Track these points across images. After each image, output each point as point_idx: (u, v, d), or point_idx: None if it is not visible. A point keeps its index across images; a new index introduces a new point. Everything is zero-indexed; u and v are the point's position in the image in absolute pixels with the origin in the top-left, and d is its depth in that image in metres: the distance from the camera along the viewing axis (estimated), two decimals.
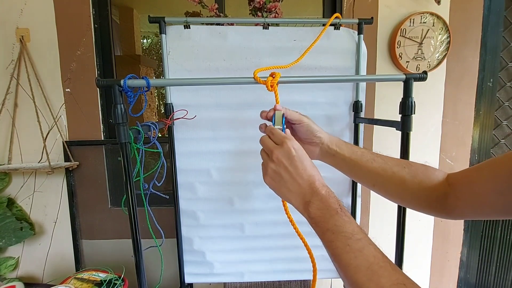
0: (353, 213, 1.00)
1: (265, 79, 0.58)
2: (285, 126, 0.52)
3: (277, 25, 0.91)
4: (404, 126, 0.70)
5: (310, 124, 0.55)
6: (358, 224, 0.38)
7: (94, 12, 1.11)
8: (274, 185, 0.46)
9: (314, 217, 0.40)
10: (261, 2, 0.97)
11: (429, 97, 1.17)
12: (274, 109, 0.53)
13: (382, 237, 1.25)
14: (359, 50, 0.90)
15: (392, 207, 0.72)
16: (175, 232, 0.98)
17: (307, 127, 0.54)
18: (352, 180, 1.00)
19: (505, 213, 0.35)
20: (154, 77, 2.47)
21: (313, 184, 0.42)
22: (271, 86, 0.57)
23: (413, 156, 0.71)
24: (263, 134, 0.52)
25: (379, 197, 0.54)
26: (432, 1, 1.09)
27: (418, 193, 0.47)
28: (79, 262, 1.21)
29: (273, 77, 0.58)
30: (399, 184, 0.49)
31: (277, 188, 0.46)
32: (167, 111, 0.89)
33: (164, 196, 0.85)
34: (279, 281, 1.09)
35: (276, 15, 0.99)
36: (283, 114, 0.53)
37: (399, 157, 0.73)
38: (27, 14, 1.09)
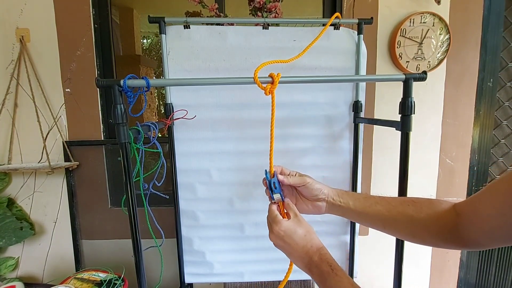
0: None
1: (265, 82, 0.58)
2: (281, 190, 0.55)
3: (277, 25, 0.91)
4: (403, 126, 0.70)
5: (312, 183, 0.56)
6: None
7: (94, 12, 1.11)
8: (283, 252, 0.53)
9: (316, 281, 0.46)
10: (261, 2, 0.97)
11: (429, 97, 1.17)
12: (271, 177, 0.56)
13: (382, 237, 1.25)
14: (359, 50, 0.91)
15: None
16: (175, 232, 0.98)
17: (310, 187, 0.56)
18: (352, 181, 1.00)
19: None
20: (154, 77, 2.47)
21: (308, 253, 0.48)
22: (270, 92, 0.57)
23: (413, 156, 0.71)
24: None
25: None
26: (432, 1, 1.09)
27: (428, 227, 0.47)
28: (79, 262, 1.21)
29: (272, 84, 0.57)
30: (408, 222, 0.49)
31: (286, 255, 0.53)
32: (167, 111, 0.89)
33: (164, 196, 0.86)
34: (279, 281, 1.09)
35: (276, 15, 0.99)
36: (274, 183, 0.55)
37: (399, 157, 0.73)
38: (27, 14, 1.09)
